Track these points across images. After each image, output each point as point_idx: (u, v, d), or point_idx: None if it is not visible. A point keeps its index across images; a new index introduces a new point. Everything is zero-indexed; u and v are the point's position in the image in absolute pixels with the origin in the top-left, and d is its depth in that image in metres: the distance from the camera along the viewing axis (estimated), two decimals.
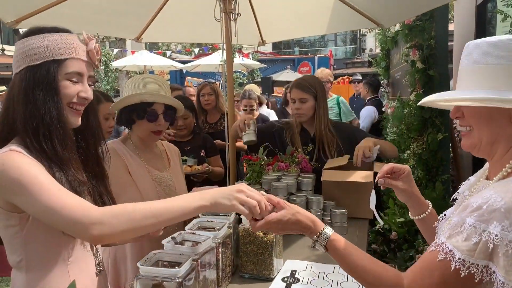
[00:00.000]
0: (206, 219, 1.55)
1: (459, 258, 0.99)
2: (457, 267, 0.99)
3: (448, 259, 1.00)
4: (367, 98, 6.41)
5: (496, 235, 0.96)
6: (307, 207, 2.03)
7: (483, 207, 1.00)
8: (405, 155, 3.79)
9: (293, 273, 1.59)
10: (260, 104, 5.09)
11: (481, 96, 1.08)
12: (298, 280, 1.54)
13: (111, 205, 1.30)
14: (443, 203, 3.38)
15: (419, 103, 1.27)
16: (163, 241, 1.31)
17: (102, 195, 1.32)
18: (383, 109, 5.64)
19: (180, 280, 1.14)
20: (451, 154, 3.70)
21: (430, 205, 1.41)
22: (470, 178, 1.36)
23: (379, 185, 1.37)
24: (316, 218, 1.24)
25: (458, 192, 1.37)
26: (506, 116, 1.09)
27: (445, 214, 1.36)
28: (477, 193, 1.08)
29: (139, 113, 1.88)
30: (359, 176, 2.14)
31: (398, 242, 3.22)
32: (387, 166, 1.40)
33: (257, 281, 1.53)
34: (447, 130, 3.45)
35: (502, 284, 0.96)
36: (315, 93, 2.55)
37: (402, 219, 3.35)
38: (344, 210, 2.01)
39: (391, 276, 1.09)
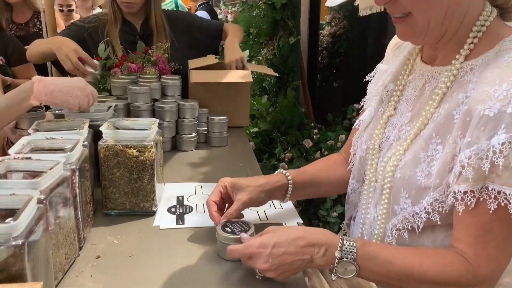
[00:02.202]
0: (43, 136, 0.98)
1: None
2: None
3: (502, 203, 0.72)
4: (198, 4, 5.89)
5: None
6: (179, 115, 1.57)
7: (508, 111, 0.70)
8: (255, 62, 3.55)
9: (180, 200, 1.17)
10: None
11: None
12: (190, 209, 1.13)
13: None
14: (295, 109, 3.29)
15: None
16: None
17: None
18: (219, 16, 5.25)
19: (19, 242, 0.62)
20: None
21: (283, 171, 1.06)
22: (378, 67, 1.09)
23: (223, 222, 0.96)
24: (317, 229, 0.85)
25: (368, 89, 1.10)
26: None
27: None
28: (472, 93, 0.77)
29: None
30: (236, 75, 1.75)
31: (256, 153, 3.05)
32: (210, 206, 0.98)
33: (132, 218, 1.07)
34: (299, 33, 3.27)
35: None
36: None
37: (255, 129, 3.17)
38: (224, 117, 1.62)
39: (455, 264, 0.77)
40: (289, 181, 1.04)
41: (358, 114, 3.12)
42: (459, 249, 0.78)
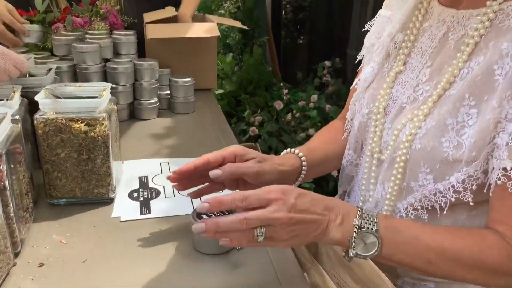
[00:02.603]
0: None
1: None
2: None
3: None
4: None
5: None
6: (136, 77, 1.34)
7: None
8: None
9: (144, 182, 0.97)
10: None
11: None
12: (157, 193, 0.93)
13: None
14: (262, 68, 3.08)
15: None
16: None
17: None
18: None
19: None
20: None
21: (296, 151, 0.86)
22: (380, 13, 0.91)
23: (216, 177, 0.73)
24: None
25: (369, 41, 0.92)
26: None
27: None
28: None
29: None
30: (200, 29, 1.51)
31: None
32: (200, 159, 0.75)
33: (85, 209, 0.86)
34: None
35: None
36: None
37: (220, 91, 2.95)
38: (189, 79, 1.40)
39: (495, 247, 0.62)
40: (302, 160, 0.85)
41: (329, 72, 2.94)
42: (501, 232, 0.64)
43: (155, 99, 1.37)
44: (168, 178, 0.76)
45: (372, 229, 0.63)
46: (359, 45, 0.94)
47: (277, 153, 2.32)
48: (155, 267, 0.70)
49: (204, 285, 0.67)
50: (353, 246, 0.63)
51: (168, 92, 1.43)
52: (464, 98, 0.66)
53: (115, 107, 0.92)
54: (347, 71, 2.93)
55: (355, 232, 0.62)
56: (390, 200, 0.77)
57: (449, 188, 0.67)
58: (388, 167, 0.77)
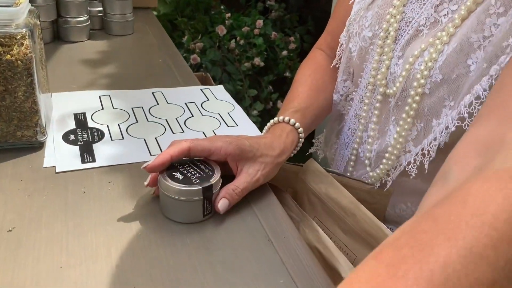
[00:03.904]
0: None
1: None
2: None
3: None
4: None
5: None
6: None
7: None
8: None
9: (81, 121, 0.77)
10: None
11: None
12: (100, 134, 0.74)
13: None
14: None
15: None
16: None
17: None
18: None
19: None
20: None
21: (292, 121, 0.70)
22: None
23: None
24: None
25: None
26: None
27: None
28: None
29: None
30: None
31: None
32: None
33: (7, 157, 0.66)
34: None
35: None
36: None
37: (154, 13, 2.64)
38: None
39: (478, 210, 0.35)
40: (300, 136, 0.70)
41: None
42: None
43: (84, 17, 1.11)
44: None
45: None
46: None
47: (221, 83, 2.14)
48: (109, 234, 0.54)
49: (182, 260, 0.52)
50: None
51: (101, 8, 1.17)
52: (490, 5, 0.54)
53: (38, 22, 0.69)
54: None
55: None
56: (395, 148, 0.66)
57: (463, 111, 0.56)
58: (401, 104, 0.64)
